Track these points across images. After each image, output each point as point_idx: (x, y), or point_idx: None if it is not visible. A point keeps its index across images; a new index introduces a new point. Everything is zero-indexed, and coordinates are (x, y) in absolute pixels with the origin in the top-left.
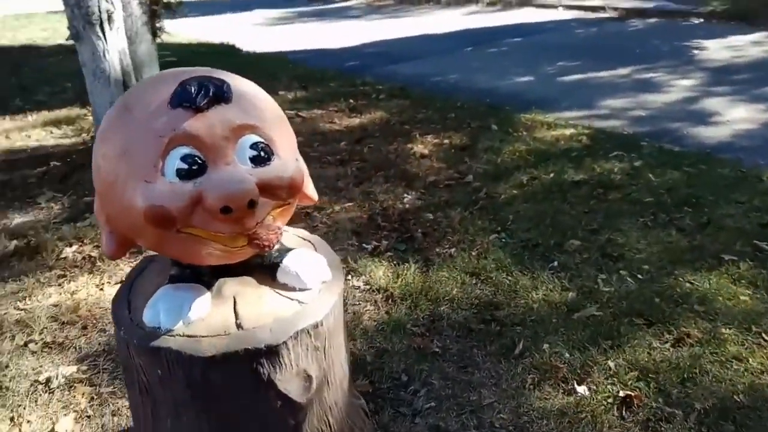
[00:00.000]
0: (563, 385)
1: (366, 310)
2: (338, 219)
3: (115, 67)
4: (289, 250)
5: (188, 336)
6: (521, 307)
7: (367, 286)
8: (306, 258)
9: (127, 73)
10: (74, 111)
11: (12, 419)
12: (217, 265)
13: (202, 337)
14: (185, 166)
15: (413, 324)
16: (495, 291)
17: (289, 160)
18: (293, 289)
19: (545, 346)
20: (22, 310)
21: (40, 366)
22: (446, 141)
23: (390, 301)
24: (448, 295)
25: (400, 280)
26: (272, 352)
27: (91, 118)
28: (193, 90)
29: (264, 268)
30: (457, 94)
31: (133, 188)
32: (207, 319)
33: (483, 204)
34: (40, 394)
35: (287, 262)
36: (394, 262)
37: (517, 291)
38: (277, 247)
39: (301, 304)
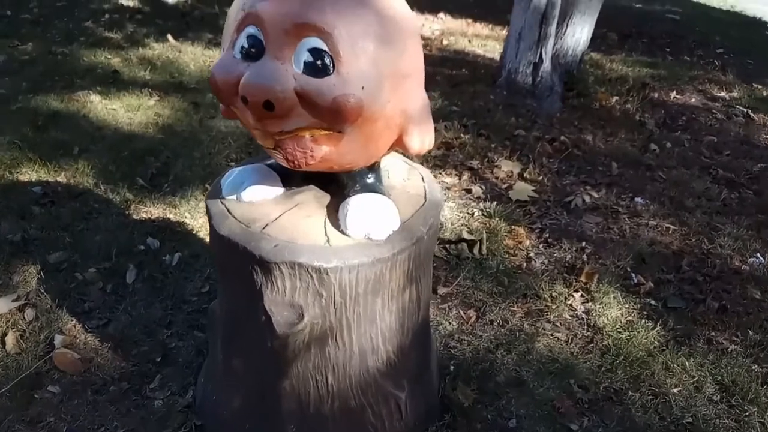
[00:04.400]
0: None
1: (554, 336)
2: (640, 232)
3: None
4: (372, 191)
5: (227, 210)
6: None
7: (585, 315)
8: (370, 207)
9: (551, 5)
10: (485, 29)
11: None
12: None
13: (233, 217)
14: (246, 46)
15: (584, 386)
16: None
17: (349, 81)
18: (337, 227)
19: None
20: None
21: None
22: None
23: (590, 345)
24: (663, 387)
25: (627, 333)
26: (264, 267)
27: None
28: None
29: (343, 195)
30: None
31: (220, 54)
32: (256, 206)
33: None
34: None
35: (351, 200)
36: (644, 313)
37: None
38: (370, 182)
39: (326, 244)
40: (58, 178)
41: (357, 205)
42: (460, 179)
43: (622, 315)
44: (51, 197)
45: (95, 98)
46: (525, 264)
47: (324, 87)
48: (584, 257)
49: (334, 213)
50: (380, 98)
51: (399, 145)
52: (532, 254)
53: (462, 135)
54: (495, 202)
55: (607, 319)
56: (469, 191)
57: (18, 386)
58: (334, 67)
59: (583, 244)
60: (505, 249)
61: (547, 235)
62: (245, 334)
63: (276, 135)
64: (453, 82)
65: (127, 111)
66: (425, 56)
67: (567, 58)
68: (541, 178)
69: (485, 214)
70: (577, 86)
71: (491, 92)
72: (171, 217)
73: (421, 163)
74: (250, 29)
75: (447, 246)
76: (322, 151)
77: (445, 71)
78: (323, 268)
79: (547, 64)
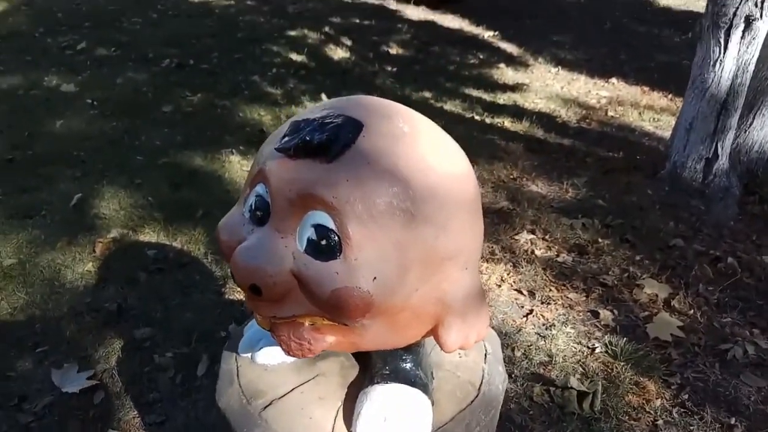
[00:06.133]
0: None
1: None
2: None
3: (721, 82)
4: (404, 381)
5: (237, 371)
6: None
7: None
8: (391, 407)
9: (734, 94)
10: (662, 100)
11: None
12: None
13: (238, 383)
14: (254, 207)
15: None
16: None
17: (357, 270)
18: (349, 424)
19: None
20: None
21: None
22: None
23: None
24: None
25: None
26: None
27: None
28: (296, 127)
29: (368, 377)
30: None
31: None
32: (270, 372)
33: None
34: None
35: (371, 392)
36: None
37: None
38: (404, 366)
39: None
40: (174, 243)
41: (374, 401)
42: (587, 297)
43: None
44: (161, 263)
45: (234, 158)
46: None
47: (324, 274)
48: None
49: (353, 398)
50: (402, 289)
51: (434, 338)
52: (660, 422)
53: (601, 238)
54: (625, 337)
55: None
56: (596, 315)
57: None
58: (341, 249)
59: (734, 419)
60: (626, 408)
61: (687, 396)
62: None
63: (270, 318)
64: (605, 167)
65: None
66: (582, 131)
67: (750, 155)
68: (692, 311)
69: (609, 352)
70: (760, 190)
71: (650, 186)
72: None
73: (544, 269)
74: (259, 188)
75: (551, 390)
76: (325, 342)
77: (600, 152)
78: None
79: (723, 161)
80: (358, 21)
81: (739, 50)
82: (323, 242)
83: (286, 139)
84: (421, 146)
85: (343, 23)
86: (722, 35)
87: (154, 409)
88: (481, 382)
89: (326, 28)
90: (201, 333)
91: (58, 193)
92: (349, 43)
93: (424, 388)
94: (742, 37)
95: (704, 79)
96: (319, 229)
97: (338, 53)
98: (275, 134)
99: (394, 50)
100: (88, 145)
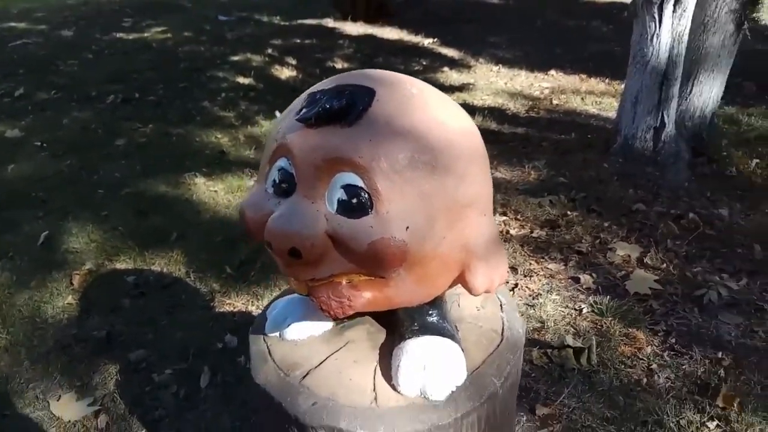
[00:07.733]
0: None
1: None
2: None
3: (659, 54)
4: (433, 333)
5: (268, 350)
6: None
7: None
8: (428, 356)
9: (672, 64)
10: (600, 85)
11: None
12: None
13: (272, 360)
14: (277, 180)
15: None
16: None
17: (390, 222)
18: (389, 379)
19: None
20: None
21: None
22: None
23: None
24: None
25: None
26: (301, 429)
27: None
28: (313, 98)
29: (399, 335)
30: None
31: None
32: (301, 345)
33: None
34: None
35: (405, 345)
36: None
37: None
38: (431, 320)
39: (372, 403)
40: (153, 267)
41: (411, 353)
42: (566, 265)
43: None
44: (142, 288)
45: (200, 180)
46: (645, 379)
47: (359, 229)
48: (721, 372)
49: (387, 357)
50: (431, 237)
51: (461, 284)
52: (654, 366)
53: (569, 212)
54: (608, 296)
55: None
56: (576, 280)
57: None
58: (372, 205)
59: (720, 354)
60: (621, 358)
61: (674, 340)
62: None
63: (308, 282)
64: (561, 148)
65: (227, 192)
66: (532, 119)
67: (694, 120)
68: (665, 265)
69: (596, 311)
70: (707, 151)
71: (605, 160)
72: (252, 309)
73: (521, 246)
74: (281, 162)
75: (549, 352)
76: (362, 298)
77: (553, 136)
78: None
79: (670, 128)
80: (299, 41)
81: (673, 23)
82: (354, 200)
83: (305, 110)
84: (431, 105)
85: (285, 44)
86: (656, 10)
87: (161, 426)
88: (503, 328)
89: (269, 50)
90: (197, 348)
91: (23, 234)
92: (294, 62)
93: (453, 337)
94: (674, 10)
95: (644, 54)
96: (349, 188)
97: (285, 73)
98: (289, 110)
99: (339, 64)
100: (45, 185)
